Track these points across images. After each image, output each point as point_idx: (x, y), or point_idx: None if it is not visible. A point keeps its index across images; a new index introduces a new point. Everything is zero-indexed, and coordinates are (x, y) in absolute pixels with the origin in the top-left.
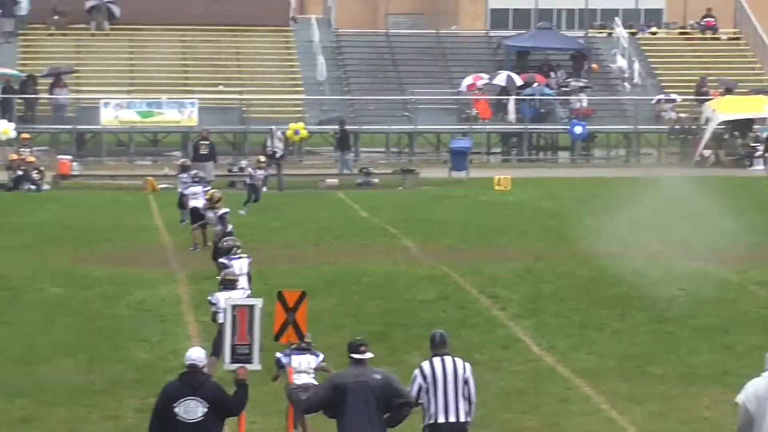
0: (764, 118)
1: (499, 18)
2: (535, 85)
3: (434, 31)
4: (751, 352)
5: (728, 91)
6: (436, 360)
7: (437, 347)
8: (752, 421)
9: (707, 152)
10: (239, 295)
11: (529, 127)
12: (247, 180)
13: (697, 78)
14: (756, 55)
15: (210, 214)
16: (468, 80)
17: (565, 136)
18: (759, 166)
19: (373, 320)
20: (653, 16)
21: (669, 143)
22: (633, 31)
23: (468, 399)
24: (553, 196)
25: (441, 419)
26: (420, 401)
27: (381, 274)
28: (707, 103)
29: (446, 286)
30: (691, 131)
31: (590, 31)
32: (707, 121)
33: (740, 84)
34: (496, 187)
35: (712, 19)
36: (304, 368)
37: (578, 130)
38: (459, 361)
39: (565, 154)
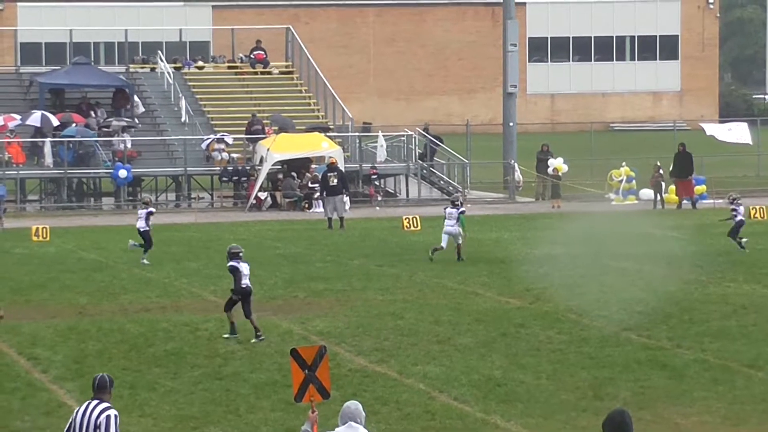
0: (322, 157)
1: (30, 53)
2: (74, 125)
3: None
4: (317, 406)
5: (283, 129)
6: (86, 403)
7: (94, 391)
8: None
9: (263, 195)
10: None
11: (68, 171)
12: None
13: (250, 115)
14: (310, 90)
15: None
16: None
17: (109, 181)
18: (319, 209)
19: None
20: (199, 50)
21: (222, 186)
22: (178, 65)
23: None
24: (97, 246)
25: None
26: None
27: None
28: (261, 141)
29: None
30: (245, 173)
31: (132, 66)
32: (262, 161)
33: (295, 121)
34: (34, 238)
35: (262, 52)
36: None
37: (123, 173)
38: (100, 407)
39: (110, 200)
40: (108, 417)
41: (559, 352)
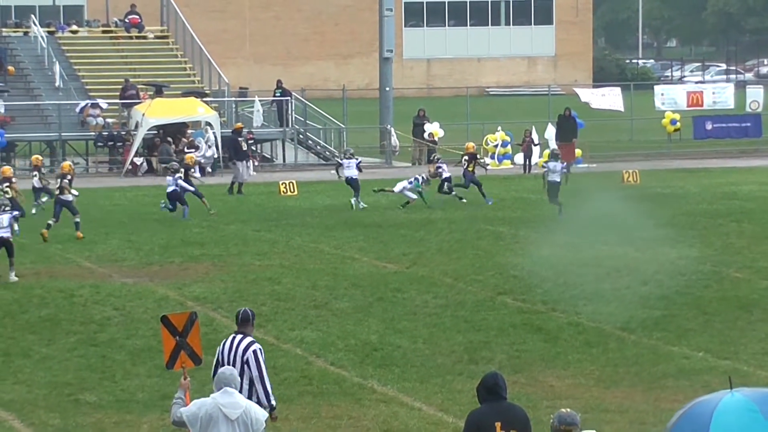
0: (198, 122)
1: None
2: None
3: None
4: (190, 373)
5: (159, 93)
6: (230, 337)
7: (237, 324)
8: None
9: (139, 160)
10: None
11: None
12: None
13: (124, 80)
14: (186, 55)
15: None
16: None
17: None
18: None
19: None
20: (74, 14)
21: (98, 151)
22: (52, 29)
23: (253, 381)
24: None
25: None
26: None
27: None
28: (136, 107)
29: None
30: (120, 138)
31: (4, 29)
32: (137, 126)
33: (171, 85)
34: None
35: (137, 16)
36: None
37: None
38: (245, 341)
39: None
40: (254, 352)
41: (435, 316)
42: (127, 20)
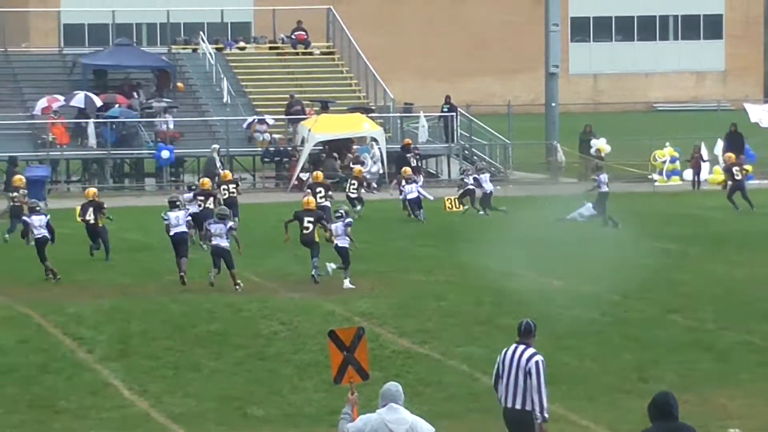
0: (364, 137)
1: (73, 34)
2: (117, 106)
3: (1, 49)
4: (357, 388)
5: (325, 108)
6: (512, 347)
7: (519, 335)
8: None
9: (305, 175)
10: None
11: (111, 152)
12: None
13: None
14: (351, 70)
15: None
16: (42, 103)
17: (152, 161)
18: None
19: None
20: (241, 30)
21: (264, 167)
22: (220, 46)
23: (530, 390)
24: (139, 226)
25: (503, 404)
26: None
27: None
28: (303, 122)
29: (26, 329)
30: (286, 153)
31: (174, 47)
32: (303, 141)
33: (337, 101)
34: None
35: (303, 33)
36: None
37: (165, 154)
38: (527, 352)
39: (152, 181)
40: (537, 363)
41: (603, 333)
42: (293, 36)
